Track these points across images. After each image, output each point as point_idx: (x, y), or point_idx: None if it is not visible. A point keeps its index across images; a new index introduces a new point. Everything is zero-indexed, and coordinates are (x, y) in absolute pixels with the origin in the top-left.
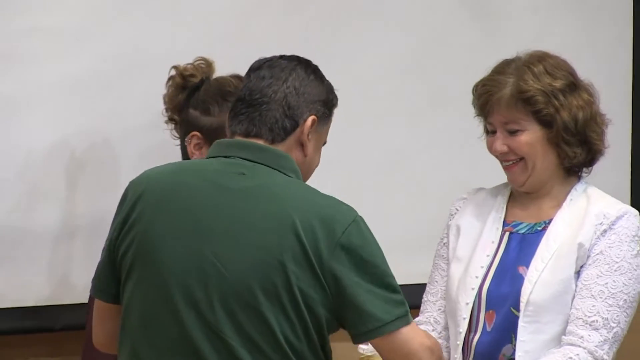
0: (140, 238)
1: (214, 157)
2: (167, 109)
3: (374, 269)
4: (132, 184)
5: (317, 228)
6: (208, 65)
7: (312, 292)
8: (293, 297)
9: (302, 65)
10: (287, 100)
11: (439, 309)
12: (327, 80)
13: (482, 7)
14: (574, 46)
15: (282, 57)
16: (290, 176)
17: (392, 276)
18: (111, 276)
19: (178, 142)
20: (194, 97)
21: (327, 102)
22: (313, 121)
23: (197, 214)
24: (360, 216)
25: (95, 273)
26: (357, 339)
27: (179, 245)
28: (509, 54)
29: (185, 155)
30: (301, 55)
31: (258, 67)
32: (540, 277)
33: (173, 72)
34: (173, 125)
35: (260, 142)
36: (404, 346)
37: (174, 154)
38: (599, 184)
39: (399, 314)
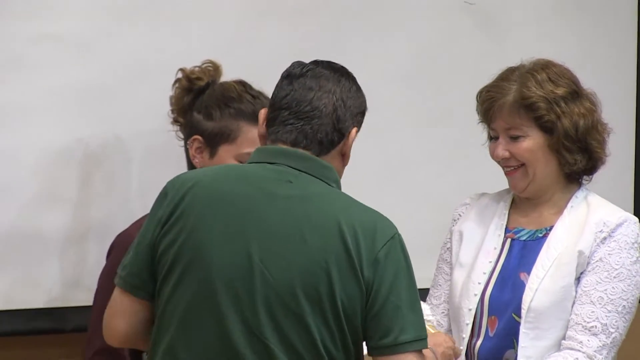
0: (185, 239)
1: (257, 162)
2: (172, 111)
3: (406, 289)
4: (173, 184)
5: (361, 236)
6: (215, 68)
7: (352, 301)
8: (334, 306)
9: (345, 76)
10: (337, 114)
11: (442, 312)
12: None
13: (486, 16)
14: (578, 54)
15: (318, 63)
16: (332, 186)
17: (419, 300)
18: (147, 273)
19: (182, 143)
20: (198, 101)
21: (364, 113)
22: (356, 132)
23: (245, 219)
24: (399, 234)
25: (127, 269)
26: (377, 351)
27: (226, 249)
28: (513, 62)
29: (188, 157)
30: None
31: (300, 74)
32: (541, 285)
33: (180, 75)
34: (178, 127)
35: (305, 152)
36: None
37: (181, 157)
38: (602, 191)
39: (421, 336)
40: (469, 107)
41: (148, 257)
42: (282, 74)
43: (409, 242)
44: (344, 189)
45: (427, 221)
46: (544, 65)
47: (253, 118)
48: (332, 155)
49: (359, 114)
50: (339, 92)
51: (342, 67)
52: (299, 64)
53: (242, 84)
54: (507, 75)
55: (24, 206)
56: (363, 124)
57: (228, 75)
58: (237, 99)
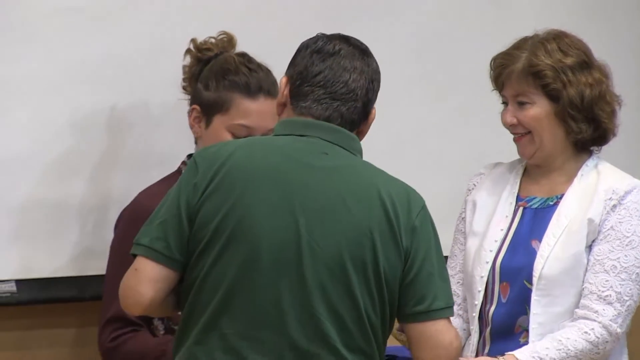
0: (228, 211)
1: (285, 134)
2: (184, 79)
3: (437, 257)
4: (203, 157)
5: (398, 205)
6: (229, 39)
7: (393, 269)
8: (378, 274)
9: (370, 56)
10: (368, 96)
11: (458, 282)
12: None
13: None
14: (591, 25)
15: (344, 40)
16: (357, 156)
17: (447, 269)
18: (178, 242)
19: None
20: (203, 71)
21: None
22: (375, 112)
23: (289, 192)
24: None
25: (152, 238)
26: (411, 317)
27: (273, 222)
28: (521, 34)
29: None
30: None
31: (333, 52)
32: (552, 252)
33: (191, 45)
34: (189, 96)
35: (332, 124)
36: (439, 336)
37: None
38: (616, 162)
39: (450, 304)
40: (478, 78)
41: (178, 227)
42: (310, 47)
43: None
44: (364, 157)
45: (440, 190)
46: (556, 36)
47: (246, 90)
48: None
49: (378, 93)
50: (370, 74)
51: (364, 44)
52: (327, 40)
53: (242, 55)
54: (519, 44)
55: (43, 177)
56: (381, 98)
57: (243, 49)
58: (234, 71)
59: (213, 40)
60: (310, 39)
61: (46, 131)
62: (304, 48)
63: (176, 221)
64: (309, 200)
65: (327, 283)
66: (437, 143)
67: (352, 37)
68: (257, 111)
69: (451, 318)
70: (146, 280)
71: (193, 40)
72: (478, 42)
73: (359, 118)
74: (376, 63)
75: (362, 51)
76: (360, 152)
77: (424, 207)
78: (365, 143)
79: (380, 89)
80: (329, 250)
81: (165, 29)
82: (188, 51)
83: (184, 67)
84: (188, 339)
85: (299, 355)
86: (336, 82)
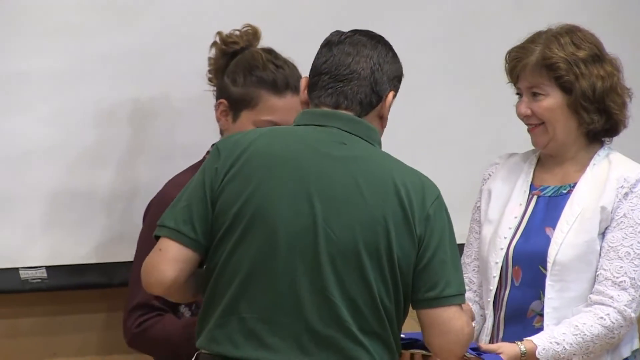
0: (248, 198)
1: (305, 124)
2: (209, 71)
3: (450, 245)
4: (225, 145)
5: (412, 194)
6: (254, 32)
7: (406, 256)
8: (391, 260)
9: (382, 43)
10: (374, 76)
11: (474, 270)
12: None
13: None
14: (606, 22)
15: (356, 31)
16: (375, 146)
17: (459, 257)
18: (202, 225)
19: None
20: (230, 65)
21: (400, 78)
22: (393, 96)
23: (307, 180)
24: (441, 193)
25: (177, 220)
26: (423, 303)
27: (291, 209)
28: (538, 27)
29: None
30: (344, 29)
31: (339, 41)
32: (566, 239)
33: (217, 38)
34: (214, 87)
35: (350, 113)
36: (451, 322)
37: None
38: (627, 152)
39: (462, 291)
40: (497, 71)
41: (203, 211)
42: (322, 43)
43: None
44: (384, 147)
45: (459, 177)
46: (569, 30)
47: (274, 87)
48: (371, 117)
49: (395, 78)
50: (376, 57)
51: (379, 35)
52: (337, 33)
53: (269, 52)
54: (534, 38)
55: (73, 167)
56: (403, 88)
57: (268, 41)
58: (261, 67)
59: (238, 33)
60: (326, 37)
61: (75, 122)
62: (320, 47)
63: (200, 204)
64: (326, 188)
65: (341, 269)
66: (456, 133)
67: (369, 30)
68: (283, 107)
69: (469, 304)
70: (170, 260)
71: (219, 33)
72: (497, 36)
73: (367, 99)
74: (390, 51)
75: (372, 38)
76: (378, 142)
77: (438, 197)
78: (387, 131)
79: (405, 79)
80: (344, 238)
81: (189, 22)
82: (214, 44)
83: (209, 59)
84: (209, 322)
85: (315, 338)
86: (340, 66)
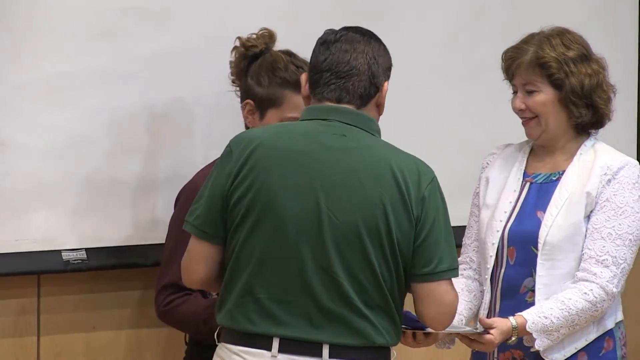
0: (258, 190)
1: (310, 119)
2: (232, 73)
3: (444, 224)
4: (237, 143)
5: (409, 178)
6: (270, 35)
7: (405, 235)
8: (391, 240)
9: (373, 38)
10: (372, 70)
11: (474, 250)
12: None
13: None
14: (590, 24)
15: (348, 29)
16: (375, 136)
17: (453, 234)
18: (220, 221)
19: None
20: (252, 67)
21: (391, 67)
22: (387, 85)
23: (310, 171)
24: (436, 176)
25: (201, 218)
26: (418, 278)
27: (297, 199)
28: (533, 30)
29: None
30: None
31: (335, 40)
32: (555, 222)
33: (237, 43)
34: (237, 88)
35: (350, 107)
36: (443, 295)
37: (237, 115)
38: (610, 142)
39: (453, 266)
40: (496, 68)
41: (220, 207)
42: (318, 42)
43: (444, 185)
44: (389, 140)
45: (460, 167)
46: (560, 32)
47: (296, 86)
48: (370, 107)
49: (388, 68)
50: (371, 52)
51: (369, 30)
52: (331, 32)
53: (289, 54)
54: (527, 39)
55: (111, 157)
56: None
57: (288, 43)
58: (284, 68)
59: (255, 37)
60: (320, 36)
61: (114, 117)
62: (315, 45)
63: (217, 202)
64: (328, 178)
65: (345, 250)
66: (458, 126)
67: (356, 26)
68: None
69: (468, 281)
70: (198, 260)
71: (239, 38)
72: (494, 37)
73: (367, 91)
74: (381, 44)
75: (363, 34)
76: (378, 131)
77: (433, 180)
78: (393, 125)
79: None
80: (346, 222)
81: (214, 28)
82: (235, 48)
83: (231, 62)
84: (228, 302)
85: (324, 314)
86: (340, 63)
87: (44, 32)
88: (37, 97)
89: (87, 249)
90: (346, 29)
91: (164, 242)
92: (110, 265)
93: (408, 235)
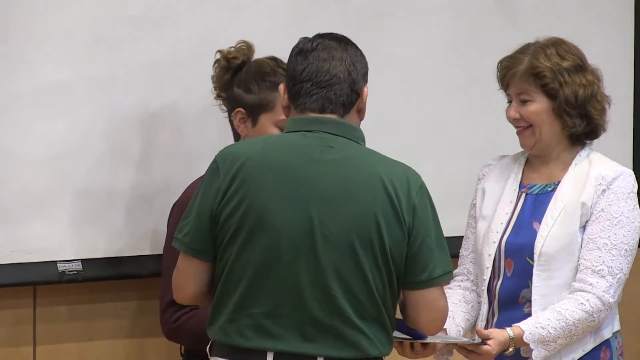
0: (249, 206)
1: (295, 131)
2: (215, 88)
3: (436, 230)
4: (223, 159)
5: (398, 187)
6: (248, 47)
7: (397, 244)
8: (384, 251)
9: (349, 44)
10: (352, 77)
11: (471, 261)
12: None
13: (506, 1)
14: (586, 35)
15: (324, 36)
16: (361, 144)
17: (444, 238)
18: (210, 238)
19: (226, 115)
20: (237, 77)
21: (368, 71)
22: (367, 90)
23: (301, 185)
24: (424, 182)
25: (190, 235)
26: (414, 285)
27: (288, 213)
28: (528, 39)
29: (233, 126)
30: (356, 39)
31: (312, 49)
32: (550, 232)
33: (218, 56)
34: (222, 101)
35: (334, 116)
36: (436, 302)
37: (225, 126)
38: (605, 153)
39: (447, 270)
40: (494, 76)
41: (209, 224)
42: (294, 51)
43: (441, 193)
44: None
45: (457, 175)
46: (555, 42)
47: None
48: (352, 114)
49: (366, 73)
50: (349, 58)
51: (345, 36)
52: (307, 40)
53: (274, 59)
54: (523, 49)
55: (107, 168)
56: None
57: (281, 55)
58: (272, 73)
59: (234, 49)
60: (295, 44)
61: (110, 126)
62: (290, 54)
63: (206, 220)
64: (319, 191)
65: (339, 263)
66: (454, 137)
67: (331, 32)
68: None
69: (465, 292)
70: (186, 275)
71: (220, 52)
72: (493, 44)
73: (349, 99)
74: (356, 49)
75: (339, 41)
76: (363, 139)
77: (422, 186)
78: (391, 134)
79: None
80: (339, 234)
81: (210, 37)
82: (217, 61)
83: (212, 77)
84: (220, 317)
85: (318, 327)
86: (319, 72)
87: (40, 41)
88: (32, 107)
89: (82, 260)
90: (321, 36)
91: (159, 252)
92: (106, 276)
93: (401, 245)
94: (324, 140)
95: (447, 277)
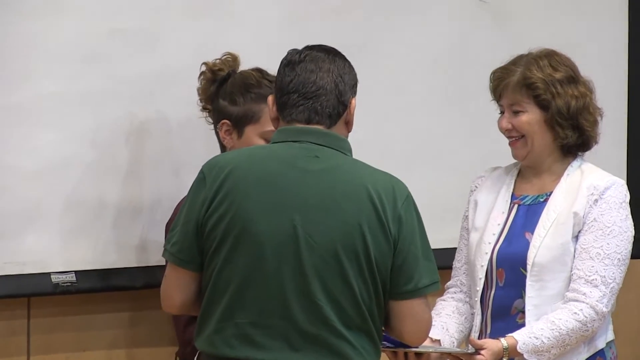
0: (234, 216)
1: (281, 141)
2: (200, 100)
3: (422, 240)
4: (210, 169)
5: (384, 197)
6: (234, 59)
7: (383, 255)
8: (369, 261)
9: (338, 55)
10: (339, 88)
11: (464, 273)
12: None
13: (498, 11)
14: (579, 46)
15: (312, 48)
16: (347, 155)
17: (431, 248)
18: (197, 248)
19: (212, 127)
20: (222, 89)
21: (356, 84)
22: (354, 102)
23: (286, 195)
24: (410, 192)
25: (177, 245)
26: (401, 296)
27: (273, 223)
28: (520, 51)
29: (219, 138)
30: (347, 54)
31: (300, 60)
32: (543, 242)
33: (204, 68)
34: (207, 113)
35: (320, 127)
36: (421, 312)
37: (213, 138)
38: (599, 165)
39: (435, 280)
40: (486, 90)
41: (196, 234)
42: (282, 63)
43: (434, 205)
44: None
45: (450, 187)
46: (548, 54)
47: None
48: (339, 125)
49: (354, 85)
50: (337, 70)
51: (333, 48)
52: (295, 52)
53: (259, 70)
54: (515, 60)
55: (99, 181)
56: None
57: (268, 67)
58: (257, 84)
59: (219, 61)
60: (285, 56)
61: (103, 139)
62: (279, 66)
63: (192, 230)
64: (304, 201)
65: (324, 273)
66: (447, 148)
67: (320, 44)
68: None
69: (459, 304)
70: (174, 285)
71: (205, 64)
72: (485, 58)
73: (335, 110)
74: (344, 61)
75: (327, 52)
76: (349, 150)
77: (408, 197)
78: (386, 146)
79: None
80: (324, 244)
81: (200, 50)
82: (202, 74)
83: (198, 89)
84: (207, 327)
85: (304, 336)
86: (306, 83)
87: (31, 54)
88: (25, 119)
89: (76, 272)
90: (310, 47)
91: (152, 264)
92: (99, 287)
93: (386, 255)
94: (310, 150)
95: (433, 287)
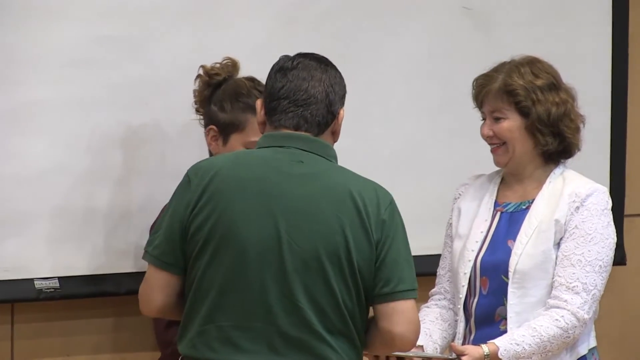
0: (218, 219)
1: (267, 146)
2: (195, 102)
3: (404, 246)
4: (195, 173)
5: (367, 203)
6: (233, 64)
7: (365, 260)
8: (352, 266)
9: (330, 65)
10: (329, 98)
11: (448, 280)
12: None
13: (482, 18)
14: (562, 53)
15: (305, 56)
16: (332, 162)
17: (412, 256)
18: (180, 250)
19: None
20: (215, 94)
21: (345, 94)
22: (343, 112)
23: (270, 199)
24: (393, 199)
25: (160, 248)
26: (379, 298)
27: (257, 226)
28: (504, 58)
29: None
30: (335, 61)
31: (292, 67)
32: (525, 250)
33: (201, 71)
34: (201, 116)
35: (307, 134)
36: (410, 313)
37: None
38: (584, 171)
39: (414, 287)
40: (469, 98)
41: (178, 237)
42: (274, 68)
43: (418, 213)
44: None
45: (434, 194)
46: (530, 61)
47: None
48: (326, 135)
49: (343, 96)
50: (328, 80)
51: (325, 57)
52: (288, 58)
53: (252, 80)
54: (497, 67)
55: (82, 186)
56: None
57: (258, 74)
58: (247, 94)
59: (218, 65)
60: (276, 62)
61: (88, 145)
62: (270, 71)
63: (175, 232)
64: (287, 205)
65: (306, 276)
66: (431, 156)
67: (312, 53)
68: None
69: (442, 311)
70: (155, 287)
71: (203, 67)
72: (470, 65)
73: (324, 119)
74: (336, 71)
75: (319, 61)
76: (334, 157)
77: (391, 202)
78: (370, 154)
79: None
80: (307, 248)
81: (189, 55)
82: (199, 76)
83: (194, 91)
84: (190, 331)
85: (286, 340)
86: (297, 91)
87: (20, 59)
88: (11, 125)
89: (59, 278)
90: (302, 55)
91: (137, 270)
92: (83, 293)
93: (369, 260)
94: (295, 156)
95: (412, 294)
